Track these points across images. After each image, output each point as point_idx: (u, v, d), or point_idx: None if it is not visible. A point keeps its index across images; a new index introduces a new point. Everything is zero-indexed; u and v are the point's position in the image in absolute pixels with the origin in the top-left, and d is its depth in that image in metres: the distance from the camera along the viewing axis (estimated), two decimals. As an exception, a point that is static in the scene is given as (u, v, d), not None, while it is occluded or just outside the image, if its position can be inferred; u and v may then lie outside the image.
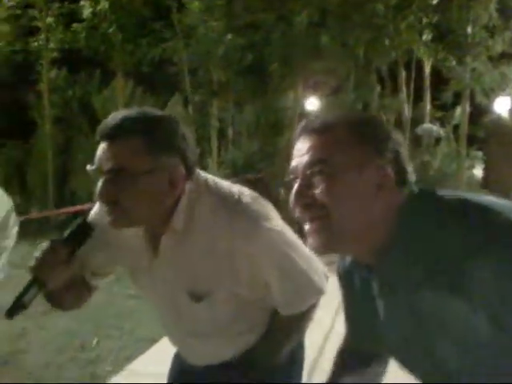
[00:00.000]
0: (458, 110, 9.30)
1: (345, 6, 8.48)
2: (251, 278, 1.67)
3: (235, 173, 10.04)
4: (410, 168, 1.20)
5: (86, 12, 11.82)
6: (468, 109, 9.50)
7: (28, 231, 5.95)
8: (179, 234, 1.63)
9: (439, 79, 11.34)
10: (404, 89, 11.18)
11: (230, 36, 9.86)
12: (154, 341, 4.79)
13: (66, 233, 1.57)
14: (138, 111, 1.59)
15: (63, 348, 5.05)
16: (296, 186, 1.17)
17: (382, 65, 9.33)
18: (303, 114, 11.63)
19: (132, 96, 14.61)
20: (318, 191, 1.14)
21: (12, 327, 5.49)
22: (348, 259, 1.37)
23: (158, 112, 1.64)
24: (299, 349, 2.03)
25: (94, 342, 5.21)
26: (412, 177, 1.19)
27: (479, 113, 10.93)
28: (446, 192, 1.17)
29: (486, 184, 9.85)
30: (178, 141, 1.58)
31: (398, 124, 11.42)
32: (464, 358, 1.12)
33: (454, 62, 10.89)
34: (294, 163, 1.20)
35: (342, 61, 8.63)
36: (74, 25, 12.39)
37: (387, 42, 8.45)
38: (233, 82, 10.16)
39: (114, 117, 1.55)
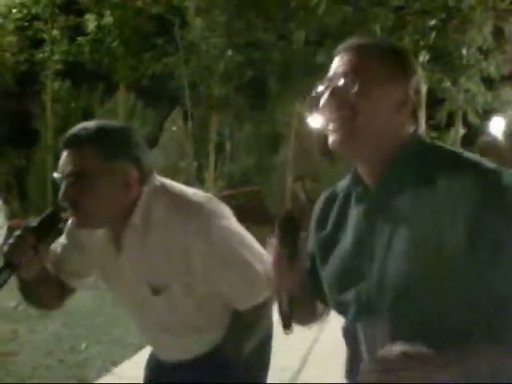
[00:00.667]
0: (453, 131, 9.40)
1: (342, 27, 8.66)
2: (205, 272, 1.81)
3: (231, 186, 10.17)
4: (423, 113, 1.38)
5: (91, 26, 11.95)
6: (462, 130, 9.61)
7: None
8: (138, 232, 1.80)
9: (434, 99, 11.50)
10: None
11: (230, 53, 10.00)
12: (140, 347, 4.90)
13: (36, 222, 1.75)
14: (96, 123, 1.80)
15: (52, 351, 5.20)
16: (330, 89, 1.32)
17: None
18: (301, 130, 11.81)
19: (133, 109, 14.78)
20: (348, 97, 1.29)
21: (3, 331, 5.63)
22: (328, 195, 1.53)
23: (114, 124, 1.86)
24: (266, 347, 2.14)
25: (83, 346, 5.34)
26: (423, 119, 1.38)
27: (474, 134, 11.09)
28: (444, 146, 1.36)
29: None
30: (132, 149, 1.77)
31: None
32: (430, 273, 1.23)
33: (448, 83, 11.09)
34: (329, 74, 1.36)
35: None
36: (79, 38, 12.52)
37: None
38: (232, 98, 10.27)
39: (74, 128, 1.76)
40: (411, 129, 1.34)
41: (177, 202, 1.83)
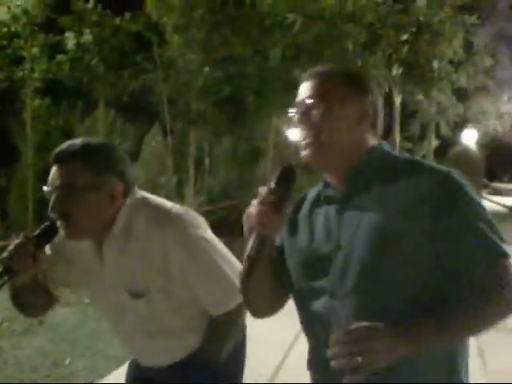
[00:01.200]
0: (426, 142, 9.60)
1: (316, 43, 8.88)
2: (182, 278, 1.94)
3: (211, 200, 10.28)
4: (381, 124, 1.62)
5: (70, 43, 12.04)
6: (435, 141, 9.83)
7: None
8: (119, 241, 1.94)
9: (407, 112, 11.74)
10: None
11: (207, 68, 10.14)
12: (123, 360, 4.98)
13: (36, 232, 1.89)
14: (82, 140, 1.94)
15: (37, 366, 5.22)
16: (299, 111, 1.56)
17: None
18: (278, 144, 11.98)
19: (113, 125, 14.86)
20: (314, 118, 1.53)
21: (-12, 347, 5.70)
22: (300, 199, 1.73)
23: (100, 141, 2.03)
24: (241, 348, 2.26)
25: (67, 361, 5.40)
26: (381, 129, 1.62)
27: (447, 144, 11.32)
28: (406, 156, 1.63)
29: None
30: (116, 163, 1.92)
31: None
32: (386, 262, 1.43)
33: (420, 96, 11.33)
34: (298, 100, 1.59)
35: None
36: (58, 56, 12.59)
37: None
38: (210, 113, 10.41)
39: (63, 144, 1.90)
40: (372, 139, 1.56)
41: (156, 213, 1.96)
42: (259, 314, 1.78)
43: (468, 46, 9.80)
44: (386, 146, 1.62)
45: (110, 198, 1.90)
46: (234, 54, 9.94)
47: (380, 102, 1.64)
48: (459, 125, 10.96)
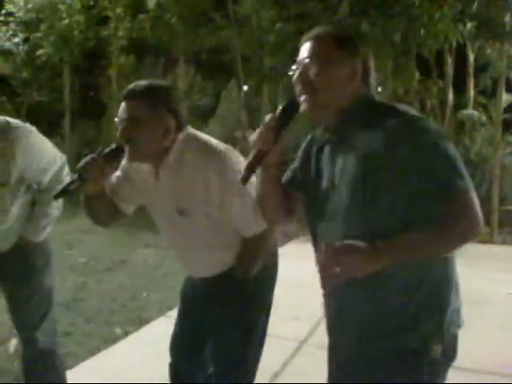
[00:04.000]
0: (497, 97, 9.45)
1: (383, -2, 8.93)
2: (219, 202, 2.34)
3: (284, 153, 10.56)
4: (373, 77, 1.88)
5: (151, 3, 12.36)
6: (505, 95, 9.67)
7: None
8: (172, 167, 2.37)
9: (478, 66, 11.55)
10: (450, 75, 11.47)
11: (279, 24, 10.31)
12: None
13: (105, 151, 2.36)
14: (147, 82, 2.33)
15: (116, 298, 5.82)
16: (298, 72, 1.80)
17: (422, 52, 9.60)
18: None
19: (193, 81, 15.30)
20: (309, 76, 1.77)
21: (75, 281, 6.40)
22: (311, 137, 1.99)
23: (161, 83, 2.41)
24: (271, 270, 2.64)
25: (144, 294, 5.99)
26: (374, 84, 1.87)
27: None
28: (388, 103, 1.83)
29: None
30: (172, 103, 2.34)
31: (442, 109, 11.64)
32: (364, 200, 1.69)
33: (488, 50, 11.12)
34: (298, 58, 1.81)
35: (381, 47, 9.01)
36: (141, 15, 13.02)
37: (422, 31, 8.81)
38: (282, 69, 10.60)
39: (131, 85, 2.34)
40: (365, 91, 1.84)
41: (203, 147, 2.34)
42: (271, 221, 2.21)
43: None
44: (372, 95, 1.84)
45: (164, 131, 2.30)
46: (305, 9, 10.03)
47: (372, 61, 1.89)
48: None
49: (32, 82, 15.02)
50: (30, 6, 13.58)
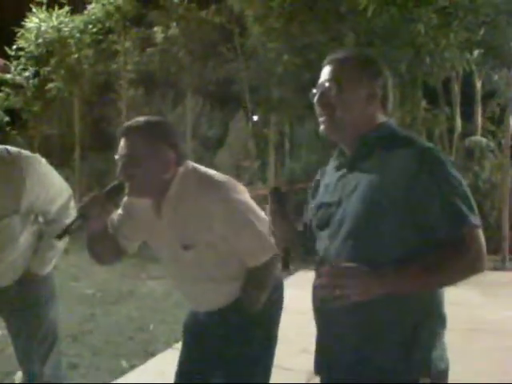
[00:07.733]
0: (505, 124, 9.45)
1: (389, 28, 8.98)
2: (224, 234, 2.36)
3: (292, 182, 10.62)
4: (391, 103, 1.92)
5: (159, 37, 12.60)
6: (514, 121, 9.64)
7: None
8: (174, 202, 2.38)
9: (485, 93, 11.59)
10: (457, 102, 11.49)
11: (286, 56, 10.37)
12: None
13: (106, 189, 2.38)
14: (145, 118, 2.39)
15: (124, 330, 5.85)
16: (318, 93, 1.86)
17: (428, 80, 9.62)
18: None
19: (201, 112, 15.43)
20: (329, 99, 1.84)
21: (83, 313, 6.41)
22: (325, 169, 2.07)
23: (158, 118, 2.46)
24: (277, 300, 2.62)
25: (151, 326, 6.01)
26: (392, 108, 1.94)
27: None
28: (404, 130, 1.91)
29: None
30: (169, 137, 2.37)
31: (450, 137, 11.62)
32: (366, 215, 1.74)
33: (495, 77, 11.15)
34: (319, 81, 1.88)
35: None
36: (149, 49, 13.20)
37: (428, 60, 8.85)
38: (290, 99, 10.64)
39: (129, 121, 2.38)
40: (382, 117, 1.89)
41: (204, 180, 2.40)
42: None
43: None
44: (392, 123, 1.91)
45: (164, 165, 2.33)
46: (312, 41, 10.11)
47: (390, 84, 1.93)
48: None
49: (42, 115, 15.14)
50: (40, 40, 13.76)
